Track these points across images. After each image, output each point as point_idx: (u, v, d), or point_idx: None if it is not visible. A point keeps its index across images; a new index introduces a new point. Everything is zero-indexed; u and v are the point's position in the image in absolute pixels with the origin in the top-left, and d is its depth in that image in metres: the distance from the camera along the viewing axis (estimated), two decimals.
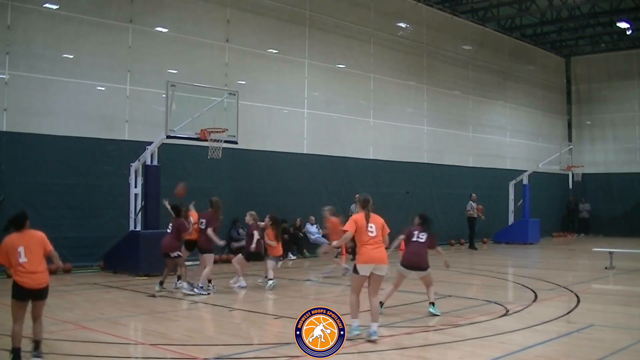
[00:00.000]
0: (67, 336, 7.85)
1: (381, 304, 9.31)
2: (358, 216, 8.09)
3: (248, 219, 12.87)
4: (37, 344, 6.50)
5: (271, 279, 12.59)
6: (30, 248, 6.41)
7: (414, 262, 9.57)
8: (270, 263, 12.73)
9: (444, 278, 14.30)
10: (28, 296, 6.41)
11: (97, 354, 7.08)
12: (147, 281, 13.02)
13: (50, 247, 6.63)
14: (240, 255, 12.67)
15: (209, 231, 11.57)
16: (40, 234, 6.62)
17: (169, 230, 11.72)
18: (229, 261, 17.16)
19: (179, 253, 11.62)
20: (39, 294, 6.44)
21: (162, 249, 11.63)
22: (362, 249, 7.92)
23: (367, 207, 8.14)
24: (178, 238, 11.70)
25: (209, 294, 11.35)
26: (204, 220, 11.71)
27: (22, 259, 6.34)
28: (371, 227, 7.95)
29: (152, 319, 9.35)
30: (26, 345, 6.58)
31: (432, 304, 9.48)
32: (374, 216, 8.11)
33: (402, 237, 9.81)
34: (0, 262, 6.51)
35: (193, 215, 12.42)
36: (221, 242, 11.84)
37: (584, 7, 25.66)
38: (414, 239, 9.69)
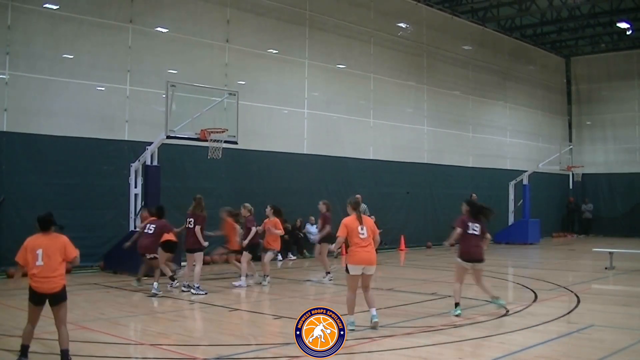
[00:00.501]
0: None
1: (457, 304, 9.32)
2: (349, 220, 8.42)
3: (244, 212, 12.93)
4: (63, 353, 6.30)
5: (267, 275, 12.68)
6: (49, 252, 6.30)
7: (475, 254, 9.48)
8: (268, 255, 12.77)
9: (444, 278, 14.31)
10: (42, 300, 6.35)
11: (97, 354, 7.08)
12: (148, 281, 13.00)
13: (73, 253, 6.49)
14: (245, 252, 12.77)
15: (197, 229, 11.59)
16: (63, 239, 6.48)
17: (150, 231, 11.70)
18: (229, 261, 17.21)
19: (156, 255, 11.71)
20: (53, 298, 6.34)
21: (141, 249, 11.76)
22: (353, 250, 8.27)
23: (358, 210, 8.51)
24: (159, 240, 11.78)
25: (206, 293, 11.35)
26: (192, 219, 11.71)
27: (38, 262, 6.25)
28: (362, 229, 8.28)
29: (152, 319, 9.35)
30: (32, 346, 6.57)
31: (497, 297, 9.57)
32: (365, 218, 8.48)
33: (459, 230, 9.52)
34: (20, 261, 6.38)
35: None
36: (206, 243, 11.76)
37: (584, 7, 25.66)
38: (470, 231, 9.49)
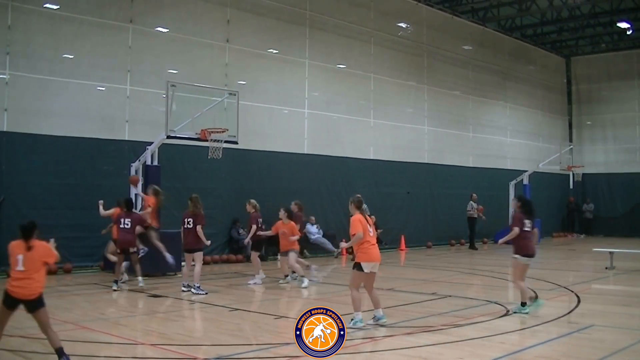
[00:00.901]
0: (67, 336, 7.83)
1: (524, 304, 9.33)
2: (360, 217, 8.40)
3: (248, 207, 12.95)
4: (59, 352, 6.33)
5: (287, 275, 12.64)
6: (29, 258, 6.35)
7: (533, 250, 9.51)
8: (292, 256, 12.63)
9: (444, 278, 14.33)
10: (15, 305, 6.38)
11: (98, 354, 7.09)
12: (148, 281, 13.00)
13: (52, 260, 6.56)
14: (252, 252, 12.85)
15: (198, 229, 11.61)
16: (44, 247, 6.53)
17: (128, 226, 11.88)
18: (229, 261, 17.24)
19: (136, 249, 12.03)
20: (29, 305, 6.36)
21: (125, 244, 11.92)
22: (366, 248, 8.28)
23: (361, 208, 8.50)
24: (135, 232, 12.03)
25: (206, 293, 11.36)
26: (190, 219, 11.70)
27: (19, 267, 6.31)
28: (370, 226, 8.40)
29: (152, 319, 9.35)
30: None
31: (525, 304, 9.44)
32: (367, 217, 8.52)
33: (517, 230, 9.42)
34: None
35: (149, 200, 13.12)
36: (208, 242, 11.87)
37: (584, 7, 25.65)
38: (526, 228, 9.48)
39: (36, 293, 6.35)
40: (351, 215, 8.53)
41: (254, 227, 12.71)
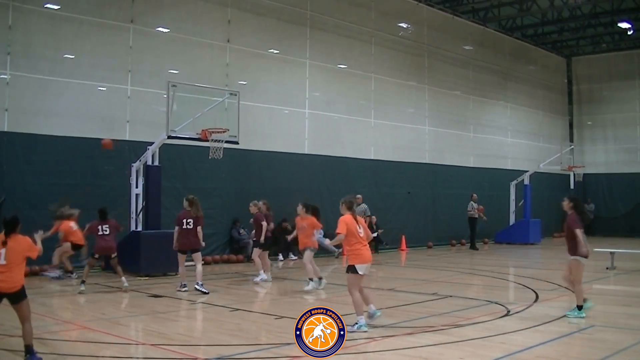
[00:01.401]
0: (67, 336, 7.85)
1: (580, 307, 9.13)
2: (348, 218, 8.46)
3: (253, 208, 12.96)
4: (27, 349, 6.40)
5: (320, 277, 12.27)
6: (12, 252, 6.43)
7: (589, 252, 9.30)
8: (307, 255, 12.31)
9: (445, 278, 14.32)
10: (0, 298, 6.47)
11: (98, 354, 7.08)
12: (148, 281, 13.04)
13: (35, 253, 6.66)
14: (255, 249, 12.85)
15: (199, 229, 11.67)
16: (26, 241, 6.63)
17: (107, 232, 11.91)
18: (230, 261, 17.23)
19: (115, 254, 12.10)
20: (12, 297, 6.45)
21: (106, 250, 11.95)
22: (357, 249, 8.30)
23: (353, 209, 8.54)
24: (114, 238, 12.15)
25: (208, 293, 11.37)
26: (191, 220, 11.70)
27: (1, 261, 6.38)
28: (360, 227, 8.40)
29: (153, 319, 9.34)
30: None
31: (581, 307, 9.24)
32: (357, 217, 8.54)
33: (579, 231, 9.11)
34: None
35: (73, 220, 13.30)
36: (203, 243, 11.95)
37: (585, 7, 25.65)
38: (582, 229, 9.25)
39: (18, 285, 6.47)
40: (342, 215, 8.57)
41: (264, 224, 12.74)
